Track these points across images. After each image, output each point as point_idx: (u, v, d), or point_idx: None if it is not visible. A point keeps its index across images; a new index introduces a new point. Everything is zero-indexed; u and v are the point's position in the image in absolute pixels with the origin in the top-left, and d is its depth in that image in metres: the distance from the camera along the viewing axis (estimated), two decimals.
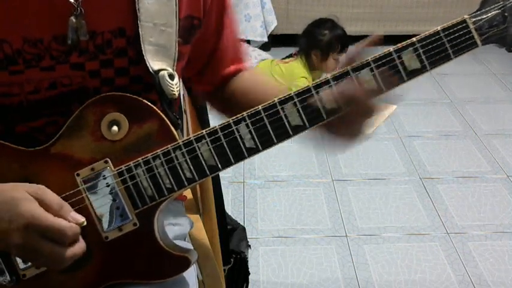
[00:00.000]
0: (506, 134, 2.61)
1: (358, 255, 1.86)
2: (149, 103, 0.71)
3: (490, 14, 0.66)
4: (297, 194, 2.17)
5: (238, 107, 0.89)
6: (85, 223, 0.66)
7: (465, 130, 2.64)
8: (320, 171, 2.32)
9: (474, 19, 0.66)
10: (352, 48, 0.68)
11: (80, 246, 0.66)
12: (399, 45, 0.67)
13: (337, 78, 0.68)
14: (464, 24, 0.66)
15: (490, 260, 1.84)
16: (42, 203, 0.64)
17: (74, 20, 0.68)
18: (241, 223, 1.82)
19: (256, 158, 2.37)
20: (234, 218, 1.70)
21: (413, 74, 0.67)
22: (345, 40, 2.81)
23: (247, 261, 1.55)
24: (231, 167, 0.71)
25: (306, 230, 1.98)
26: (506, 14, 0.66)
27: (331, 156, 2.42)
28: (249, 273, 1.56)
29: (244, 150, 0.69)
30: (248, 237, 1.67)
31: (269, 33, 3.35)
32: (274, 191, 2.20)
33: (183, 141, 0.69)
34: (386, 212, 2.07)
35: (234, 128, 0.69)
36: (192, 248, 0.96)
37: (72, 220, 0.65)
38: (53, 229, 0.62)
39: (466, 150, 2.47)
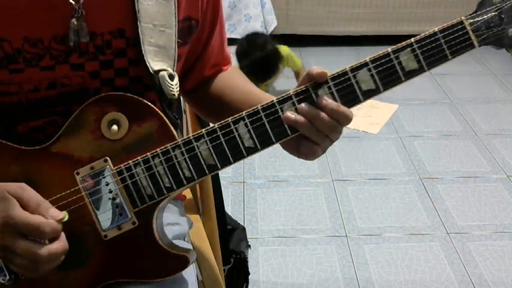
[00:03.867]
0: (506, 134, 2.61)
1: (358, 255, 1.86)
2: (149, 103, 0.72)
3: (486, 16, 0.66)
4: (297, 194, 2.18)
5: (213, 108, 0.91)
6: (65, 219, 0.66)
7: (465, 130, 2.64)
8: (320, 171, 2.32)
9: (471, 20, 0.67)
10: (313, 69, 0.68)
11: (59, 244, 0.64)
12: (397, 45, 0.67)
13: (335, 78, 0.68)
14: (461, 26, 0.66)
15: (490, 260, 1.84)
16: (21, 201, 0.63)
17: (75, 22, 0.69)
18: (241, 223, 1.82)
19: (256, 158, 2.37)
20: (234, 218, 1.70)
21: (411, 74, 0.68)
22: (266, 65, 2.67)
23: (247, 261, 1.55)
24: (231, 167, 0.71)
25: (306, 230, 1.98)
26: (502, 15, 0.66)
27: (331, 156, 2.42)
28: (249, 273, 1.56)
29: (243, 149, 0.70)
30: (248, 237, 1.67)
31: (269, 33, 3.36)
32: (274, 191, 2.20)
33: (182, 140, 0.70)
34: (386, 212, 2.07)
35: (233, 127, 0.69)
36: (191, 247, 0.97)
37: (50, 217, 0.64)
38: (28, 226, 0.62)
39: (466, 150, 2.47)
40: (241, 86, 0.90)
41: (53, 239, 0.64)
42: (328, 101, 0.68)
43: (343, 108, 0.68)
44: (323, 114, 0.68)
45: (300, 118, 0.68)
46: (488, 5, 0.67)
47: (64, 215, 0.66)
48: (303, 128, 0.68)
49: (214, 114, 0.91)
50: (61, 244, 0.65)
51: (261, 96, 0.83)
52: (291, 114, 0.68)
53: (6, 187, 0.64)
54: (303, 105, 0.68)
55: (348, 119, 0.69)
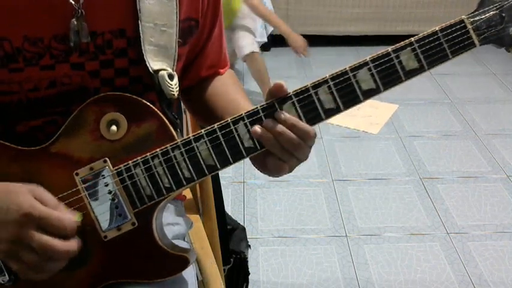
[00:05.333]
0: (506, 134, 2.61)
1: (358, 255, 1.86)
2: (148, 103, 0.72)
3: (487, 15, 0.66)
4: (297, 194, 2.18)
5: (202, 112, 0.90)
6: (79, 220, 0.67)
7: (465, 130, 2.64)
8: (320, 171, 2.32)
9: (472, 19, 0.66)
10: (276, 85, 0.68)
11: (75, 243, 0.66)
12: (397, 45, 0.67)
13: (335, 78, 0.68)
14: (462, 25, 0.66)
15: (490, 260, 1.84)
16: (40, 200, 0.65)
17: (75, 22, 0.69)
18: (241, 223, 1.82)
19: None
20: (234, 218, 1.70)
21: (411, 73, 0.68)
22: None
23: (247, 261, 1.55)
24: (231, 167, 0.71)
25: (306, 230, 1.98)
26: (503, 14, 0.66)
27: (331, 156, 2.42)
28: (249, 273, 1.56)
29: (242, 149, 0.69)
30: (248, 237, 1.67)
31: (269, 33, 3.35)
32: (274, 191, 2.20)
33: (181, 141, 0.70)
34: (386, 212, 2.07)
35: (232, 127, 0.69)
36: (191, 247, 0.96)
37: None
38: (51, 219, 0.63)
39: (466, 150, 2.47)
40: (228, 94, 0.90)
41: (69, 235, 0.66)
42: (286, 115, 0.67)
43: (302, 124, 0.68)
44: (284, 129, 0.67)
45: (266, 133, 0.67)
46: (489, 4, 0.66)
47: (78, 216, 0.67)
48: (267, 143, 0.68)
49: (202, 118, 0.91)
50: (76, 243, 0.66)
51: (246, 108, 0.82)
52: (258, 128, 0.68)
53: (24, 185, 0.66)
54: (268, 119, 0.68)
55: (308, 136, 0.68)
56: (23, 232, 0.63)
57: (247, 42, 2.71)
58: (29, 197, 0.64)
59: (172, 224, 0.92)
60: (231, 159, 0.70)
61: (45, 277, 0.66)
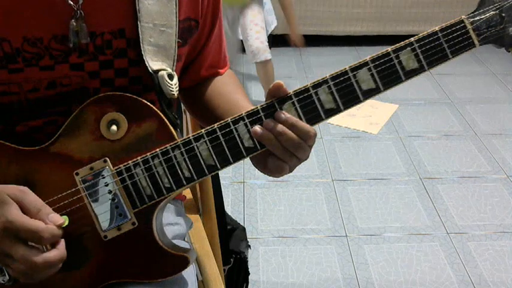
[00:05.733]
0: (506, 134, 2.61)
1: (358, 255, 1.86)
2: (148, 103, 0.72)
3: (487, 15, 0.66)
4: (297, 194, 2.18)
5: (202, 111, 0.90)
6: (65, 224, 0.65)
7: (465, 130, 2.64)
8: (320, 171, 2.32)
9: (472, 19, 0.66)
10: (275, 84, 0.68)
11: (56, 253, 0.63)
12: (397, 45, 0.67)
13: (335, 78, 0.68)
14: (462, 25, 0.66)
15: (490, 260, 1.84)
16: (22, 205, 0.63)
17: (74, 23, 0.69)
18: (241, 223, 1.82)
19: None
20: (234, 218, 1.70)
21: (411, 73, 0.68)
22: None
23: (247, 261, 1.55)
24: (231, 167, 0.70)
25: (306, 230, 1.98)
26: (503, 14, 0.66)
27: (331, 156, 2.42)
28: (249, 273, 1.57)
29: (242, 149, 0.69)
30: (248, 237, 1.67)
31: (269, 33, 3.35)
32: (274, 191, 2.20)
33: (181, 141, 0.70)
34: (386, 212, 2.07)
35: (232, 127, 0.69)
36: (191, 247, 0.96)
37: (50, 222, 0.63)
38: (27, 231, 0.61)
39: (466, 150, 2.47)
40: (228, 94, 0.90)
41: (52, 245, 0.64)
42: (286, 115, 0.67)
43: (302, 124, 0.68)
44: (284, 129, 0.67)
45: (266, 133, 0.68)
46: (489, 4, 0.66)
47: (64, 220, 0.65)
48: (267, 143, 0.68)
49: (202, 118, 0.91)
50: (58, 253, 0.64)
51: (246, 107, 0.82)
52: (258, 128, 0.68)
53: (7, 190, 0.63)
54: (268, 119, 0.68)
55: (308, 136, 0.68)
56: (3, 245, 0.61)
57: (262, 48, 2.69)
58: (6, 208, 0.61)
59: (172, 224, 0.92)
60: (231, 159, 0.70)
61: (43, 278, 0.65)
